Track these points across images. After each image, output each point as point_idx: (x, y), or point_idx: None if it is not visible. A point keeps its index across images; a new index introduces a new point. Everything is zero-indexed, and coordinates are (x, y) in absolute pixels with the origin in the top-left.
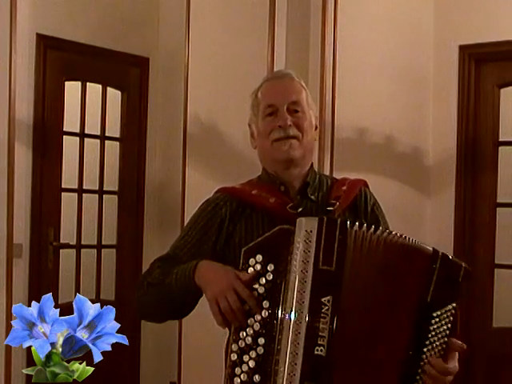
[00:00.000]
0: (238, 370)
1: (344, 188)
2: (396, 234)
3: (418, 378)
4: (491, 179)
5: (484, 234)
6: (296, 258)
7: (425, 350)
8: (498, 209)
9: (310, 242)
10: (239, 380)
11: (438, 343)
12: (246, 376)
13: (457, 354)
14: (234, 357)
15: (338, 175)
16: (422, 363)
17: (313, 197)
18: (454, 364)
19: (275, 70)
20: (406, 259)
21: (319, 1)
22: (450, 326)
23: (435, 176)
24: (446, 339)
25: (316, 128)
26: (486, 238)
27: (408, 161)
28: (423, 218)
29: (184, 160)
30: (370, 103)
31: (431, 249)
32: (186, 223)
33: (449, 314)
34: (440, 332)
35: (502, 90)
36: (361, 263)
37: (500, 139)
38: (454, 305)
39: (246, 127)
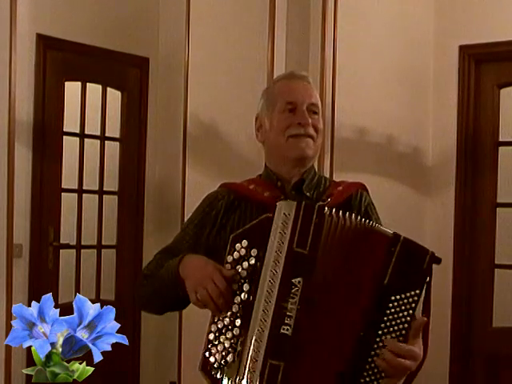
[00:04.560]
0: (213, 350)
1: (339, 188)
2: (367, 220)
3: (370, 360)
4: (491, 179)
5: (484, 234)
6: (272, 240)
7: (379, 332)
8: (498, 209)
9: (286, 224)
10: (213, 359)
11: (396, 328)
12: (220, 356)
13: (420, 340)
14: (211, 336)
15: (337, 175)
16: (375, 346)
17: (308, 194)
18: (413, 348)
19: (275, 70)
20: (365, 242)
21: (319, 1)
22: (410, 312)
23: (435, 176)
24: (406, 325)
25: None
26: (486, 238)
27: (408, 161)
28: (423, 218)
29: (184, 160)
30: (370, 103)
31: (392, 232)
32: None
33: (410, 300)
34: (399, 317)
35: (502, 90)
36: (332, 247)
37: (500, 139)
38: (417, 292)
39: (246, 127)
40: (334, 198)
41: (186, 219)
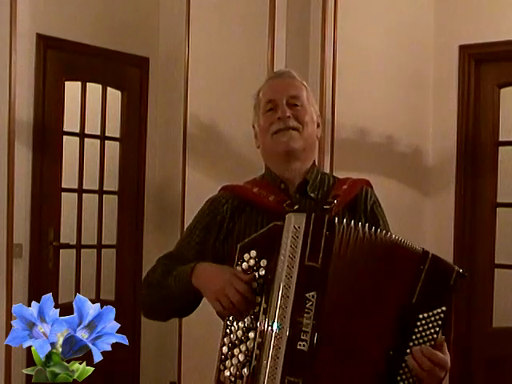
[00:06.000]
0: (228, 363)
1: (345, 187)
2: (386, 232)
3: (399, 378)
4: (491, 179)
5: (484, 234)
6: (283, 254)
7: (407, 351)
8: (497, 209)
9: (297, 237)
10: (228, 373)
11: (423, 345)
12: (235, 369)
13: (447, 351)
14: (224, 350)
15: (337, 175)
16: (403, 364)
17: (312, 194)
18: (443, 356)
19: (275, 70)
20: (392, 258)
21: (319, 1)
22: (437, 329)
23: (435, 176)
24: (432, 342)
25: (318, 126)
26: (486, 238)
27: (408, 161)
28: (423, 218)
29: (184, 160)
30: (370, 103)
31: (421, 249)
32: (189, 222)
33: (437, 317)
34: (426, 335)
35: (502, 90)
36: (347, 260)
37: (500, 139)
38: (444, 308)
39: (246, 127)
40: (341, 199)
41: (185, 220)
